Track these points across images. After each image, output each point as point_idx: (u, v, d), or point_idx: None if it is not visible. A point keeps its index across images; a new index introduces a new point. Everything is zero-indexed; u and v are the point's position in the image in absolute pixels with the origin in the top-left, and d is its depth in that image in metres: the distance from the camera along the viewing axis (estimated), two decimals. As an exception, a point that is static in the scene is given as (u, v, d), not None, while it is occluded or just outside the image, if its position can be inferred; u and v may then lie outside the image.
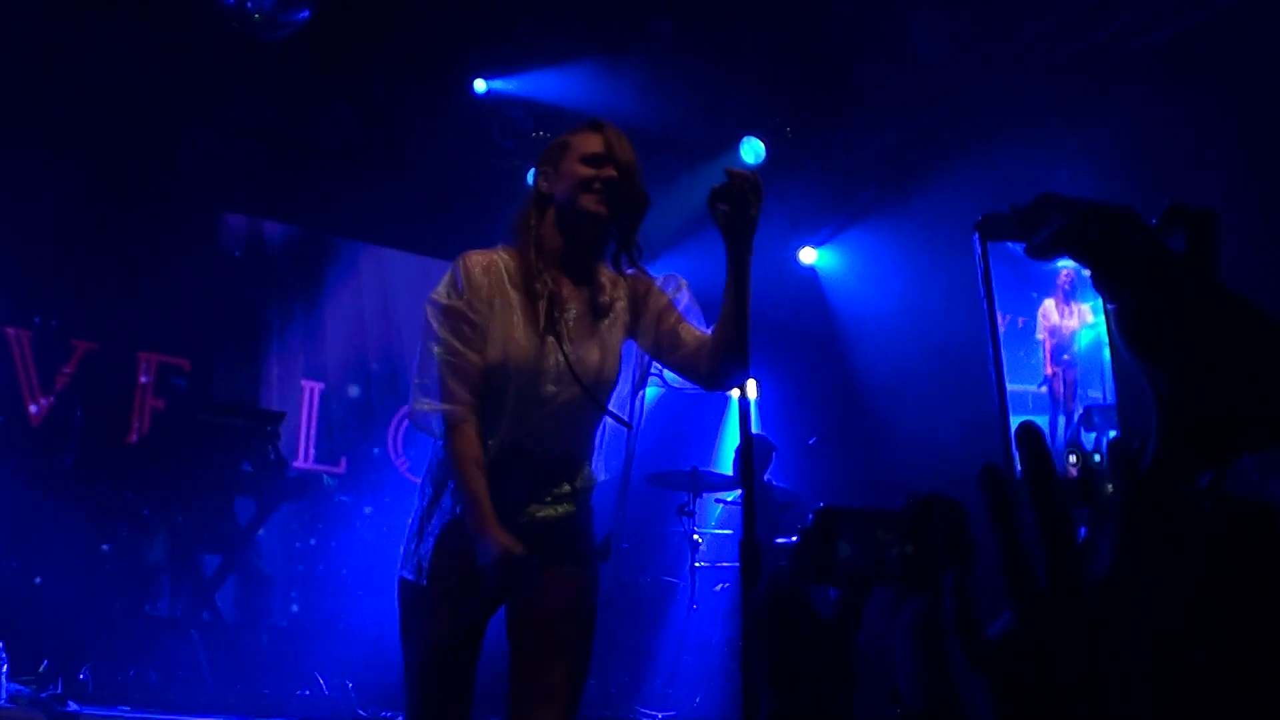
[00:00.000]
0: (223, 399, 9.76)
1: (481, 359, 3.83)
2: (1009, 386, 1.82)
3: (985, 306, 1.82)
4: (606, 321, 3.95)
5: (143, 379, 9.71)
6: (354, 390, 10.68)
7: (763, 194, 3.67)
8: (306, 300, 10.70)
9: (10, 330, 9.33)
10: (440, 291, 3.91)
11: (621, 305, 3.98)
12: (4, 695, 7.16)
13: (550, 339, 3.83)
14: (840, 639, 1.84)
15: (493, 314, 3.86)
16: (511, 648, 3.92)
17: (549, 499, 3.84)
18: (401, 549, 3.92)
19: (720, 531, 10.02)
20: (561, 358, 3.81)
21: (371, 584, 9.11)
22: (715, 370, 3.85)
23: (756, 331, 3.71)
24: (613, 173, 3.90)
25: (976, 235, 1.84)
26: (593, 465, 3.96)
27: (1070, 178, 9.50)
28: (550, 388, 3.82)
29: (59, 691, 7.25)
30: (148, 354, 9.79)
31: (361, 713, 8.09)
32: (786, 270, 11.25)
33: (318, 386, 10.43)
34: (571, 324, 3.89)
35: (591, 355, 3.87)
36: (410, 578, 3.85)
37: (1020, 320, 1.87)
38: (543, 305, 3.86)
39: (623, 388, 3.97)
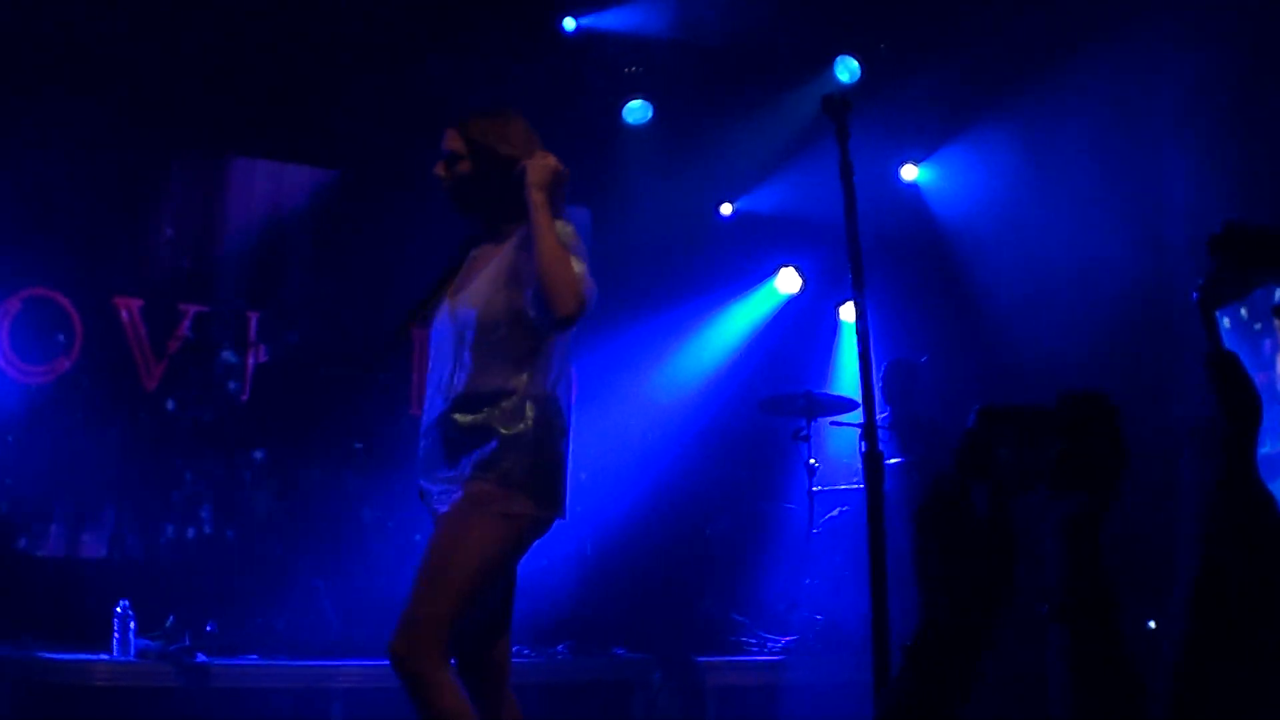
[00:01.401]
0: (333, 352, 9.81)
1: None
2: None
3: (1213, 376, 1.78)
4: (486, 265, 4.55)
5: (253, 337, 9.78)
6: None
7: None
8: (410, 252, 10.69)
9: (120, 299, 9.44)
10: None
11: (510, 246, 4.50)
12: (132, 651, 7.30)
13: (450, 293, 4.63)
14: (996, 539, 1.83)
15: None
16: None
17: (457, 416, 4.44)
18: None
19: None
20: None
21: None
22: (538, 301, 4.32)
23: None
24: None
25: (1199, 304, 1.82)
26: (478, 383, 4.44)
27: (1180, 76, 9.31)
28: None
29: (187, 644, 7.38)
30: (255, 312, 9.86)
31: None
32: (888, 189, 11.11)
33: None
34: (473, 275, 4.59)
35: (466, 298, 4.51)
36: None
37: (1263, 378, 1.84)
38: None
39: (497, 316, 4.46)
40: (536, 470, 4.39)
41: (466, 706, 4.27)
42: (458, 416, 4.40)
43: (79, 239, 9.24)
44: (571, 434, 4.52)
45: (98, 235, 9.33)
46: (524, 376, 4.42)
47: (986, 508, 1.84)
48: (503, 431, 4.37)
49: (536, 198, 4.37)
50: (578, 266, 4.33)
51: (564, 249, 4.31)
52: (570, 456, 4.51)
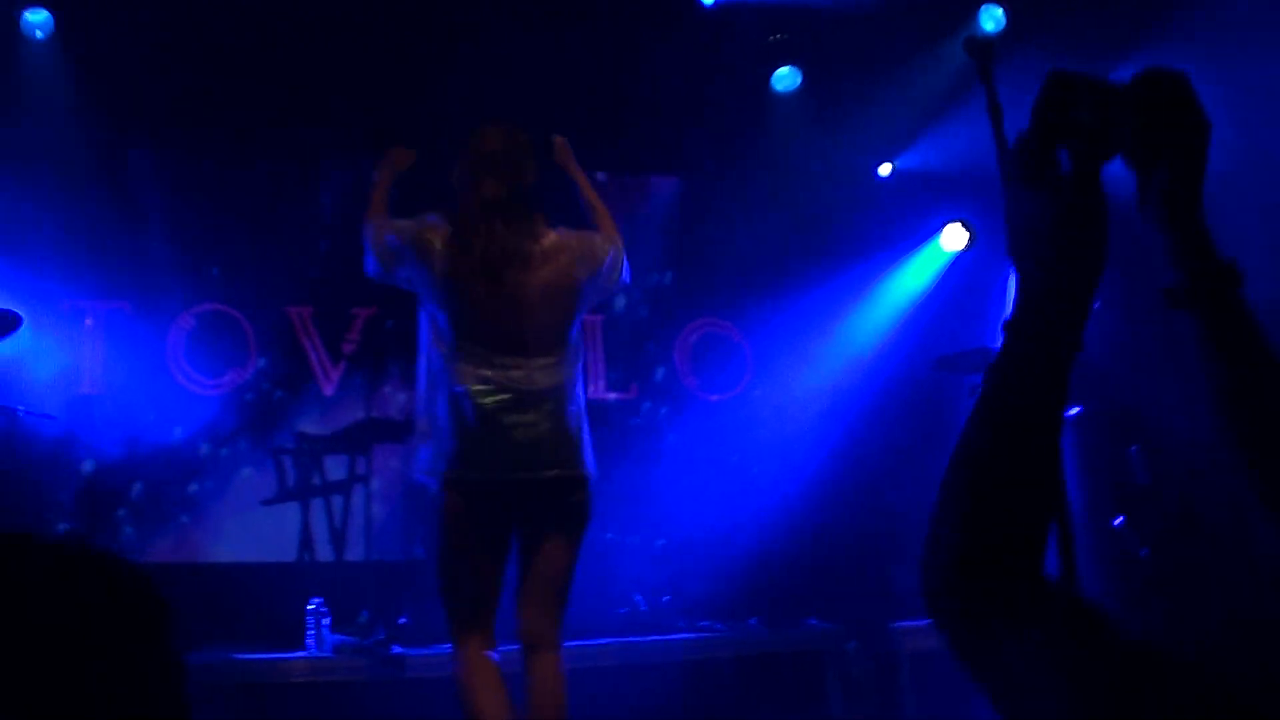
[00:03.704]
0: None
1: None
2: None
3: None
4: None
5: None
6: (643, 311, 10.46)
7: None
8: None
9: (292, 309, 9.54)
10: None
11: None
12: (328, 647, 7.36)
13: None
14: (1087, 198, 1.74)
15: None
16: None
17: None
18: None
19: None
20: None
21: (678, 501, 9.15)
22: None
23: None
24: None
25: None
26: None
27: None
28: None
29: (382, 637, 7.43)
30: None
31: (680, 623, 8.14)
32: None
33: (598, 320, 10.23)
34: None
35: None
36: None
37: None
38: None
39: None
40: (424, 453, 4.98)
41: (471, 686, 4.78)
42: None
43: (246, 252, 9.37)
44: (441, 398, 4.90)
45: (263, 248, 9.45)
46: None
47: (1072, 167, 1.74)
48: None
49: None
50: None
51: None
52: (448, 417, 4.86)
